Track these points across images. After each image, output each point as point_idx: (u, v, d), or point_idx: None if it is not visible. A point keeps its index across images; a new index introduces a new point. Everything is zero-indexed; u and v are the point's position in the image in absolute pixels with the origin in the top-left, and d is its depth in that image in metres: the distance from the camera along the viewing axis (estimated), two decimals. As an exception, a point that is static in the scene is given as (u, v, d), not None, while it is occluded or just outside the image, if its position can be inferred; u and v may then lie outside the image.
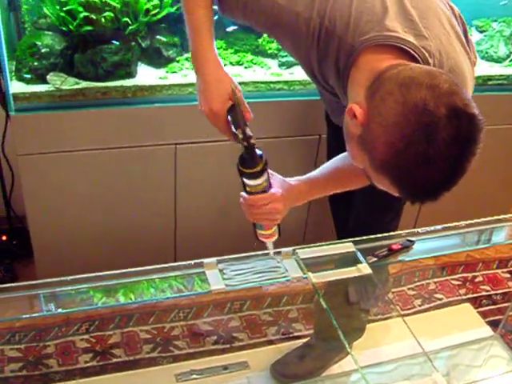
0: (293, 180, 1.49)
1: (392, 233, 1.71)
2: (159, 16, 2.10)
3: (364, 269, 1.53)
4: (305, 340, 2.13)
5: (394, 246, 1.60)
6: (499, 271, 2.75)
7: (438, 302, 2.51)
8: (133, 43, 2.09)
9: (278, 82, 2.18)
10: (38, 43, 1.99)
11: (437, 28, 1.29)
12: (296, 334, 2.22)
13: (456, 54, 1.32)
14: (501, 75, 2.45)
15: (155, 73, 2.14)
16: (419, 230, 1.58)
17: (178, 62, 2.19)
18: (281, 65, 2.25)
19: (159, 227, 2.32)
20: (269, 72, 2.21)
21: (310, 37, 1.30)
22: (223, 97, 1.36)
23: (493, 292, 2.62)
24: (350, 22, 1.25)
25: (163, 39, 2.15)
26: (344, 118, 1.22)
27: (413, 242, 1.58)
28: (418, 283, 2.59)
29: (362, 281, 1.49)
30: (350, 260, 1.57)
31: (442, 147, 1.03)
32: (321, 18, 1.27)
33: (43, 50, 1.99)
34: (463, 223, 1.74)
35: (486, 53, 2.54)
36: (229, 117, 1.37)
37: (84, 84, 2.01)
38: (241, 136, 1.31)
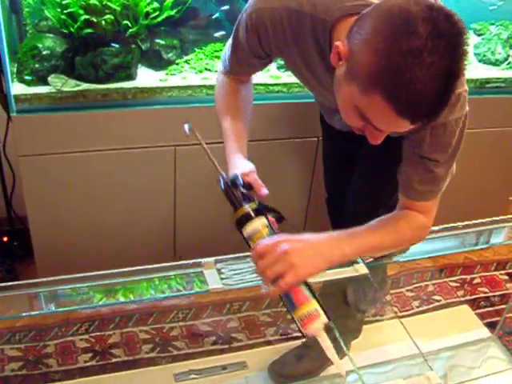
0: None
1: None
2: (159, 19, 2.11)
3: (361, 269, 1.55)
4: (303, 340, 2.14)
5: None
6: (497, 273, 2.76)
7: (436, 304, 2.51)
8: (133, 46, 2.11)
9: (277, 85, 2.19)
10: (40, 45, 2.01)
11: None
12: (294, 335, 2.22)
13: None
14: (498, 78, 2.47)
15: (155, 75, 2.16)
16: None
17: (177, 64, 2.21)
18: (279, 67, 2.27)
19: (159, 228, 2.33)
20: (267, 74, 2.23)
21: (285, 25, 1.31)
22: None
23: (491, 294, 2.63)
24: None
25: (163, 42, 2.17)
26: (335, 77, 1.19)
27: (410, 243, 1.58)
28: (417, 285, 2.60)
29: (359, 282, 1.49)
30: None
31: (425, 40, 0.98)
32: (284, 2, 1.29)
33: (44, 52, 2.01)
34: (461, 224, 1.75)
35: (484, 56, 2.55)
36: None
37: (85, 86, 2.02)
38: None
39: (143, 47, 2.14)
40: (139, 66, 2.17)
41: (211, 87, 2.11)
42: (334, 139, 1.92)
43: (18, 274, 2.41)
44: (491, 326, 2.40)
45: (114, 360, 2.12)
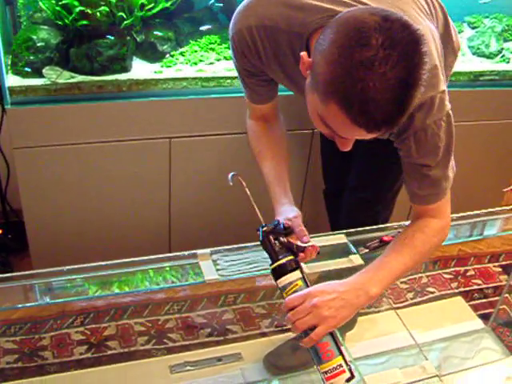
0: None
1: (384, 225, 1.74)
2: (154, 11, 2.11)
3: (356, 260, 1.56)
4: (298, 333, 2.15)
5: (386, 238, 1.62)
6: (491, 265, 2.77)
7: (430, 296, 2.52)
8: (128, 38, 2.10)
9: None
10: (34, 37, 2.00)
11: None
12: (289, 327, 2.23)
13: (408, 14, 1.28)
14: (492, 71, 2.47)
15: (150, 67, 2.15)
16: (410, 222, 1.60)
17: (172, 56, 2.20)
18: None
19: (154, 219, 2.34)
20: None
21: (264, 41, 1.35)
22: None
23: (484, 286, 2.64)
24: (289, 15, 1.29)
25: (158, 34, 2.16)
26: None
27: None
28: (411, 277, 2.61)
29: (354, 273, 1.49)
30: (342, 251, 1.60)
31: (376, 50, 0.99)
32: (259, 20, 1.33)
33: (39, 44, 2.00)
34: (455, 216, 1.76)
35: (478, 49, 2.56)
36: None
37: (79, 78, 2.02)
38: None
39: (138, 39, 2.14)
40: (134, 58, 2.17)
41: (206, 79, 2.11)
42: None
43: (12, 267, 2.41)
44: (485, 317, 2.41)
45: (109, 352, 2.13)
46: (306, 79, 1.21)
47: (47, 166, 2.10)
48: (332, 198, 2.16)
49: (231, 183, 1.35)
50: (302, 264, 1.35)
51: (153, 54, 2.18)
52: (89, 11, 1.97)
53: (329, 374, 1.20)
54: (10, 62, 2.04)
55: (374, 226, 1.69)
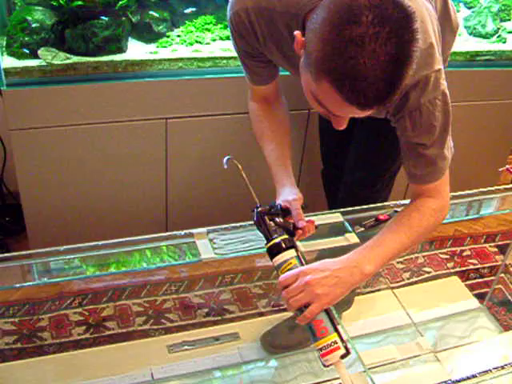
0: None
1: (380, 204, 1.75)
2: (149, -9, 2.11)
3: (351, 238, 1.57)
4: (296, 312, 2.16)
5: (381, 217, 1.62)
6: (487, 245, 2.79)
7: (427, 275, 2.54)
8: (123, 18, 2.09)
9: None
10: (29, 18, 2.00)
11: None
12: (286, 306, 2.24)
13: None
14: (488, 51, 2.47)
15: (146, 48, 2.15)
16: (407, 201, 1.60)
17: (168, 37, 2.20)
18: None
19: (151, 199, 2.34)
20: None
21: (260, 22, 1.35)
22: None
23: (480, 266, 2.66)
24: None
25: (154, 14, 2.15)
26: None
27: (399, 213, 1.60)
28: (407, 257, 2.62)
29: (349, 251, 1.50)
30: (338, 230, 1.61)
31: (366, 27, 0.99)
32: (256, 2, 1.33)
33: (34, 25, 1.99)
34: (450, 195, 1.76)
35: (474, 29, 2.55)
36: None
37: (75, 59, 2.01)
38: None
39: (133, 20, 2.13)
40: (130, 38, 2.16)
41: (202, 60, 2.11)
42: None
43: (10, 250, 2.41)
44: (480, 296, 2.43)
45: (107, 332, 2.14)
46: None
47: (44, 148, 2.10)
48: (330, 178, 2.17)
49: (226, 166, 1.36)
50: (298, 243, 1.37)
51: (148, 35, 2.17)
52: (84, -9, 1.96)
53: (324, 351, 1.21)
54: (4, 44, 2.03)
55: (371, 205, 1.70)
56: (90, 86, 2.03)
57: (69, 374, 1.94)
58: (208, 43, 2.19)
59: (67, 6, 1.99)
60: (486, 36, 2.54)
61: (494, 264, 2.67)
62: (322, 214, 1.62)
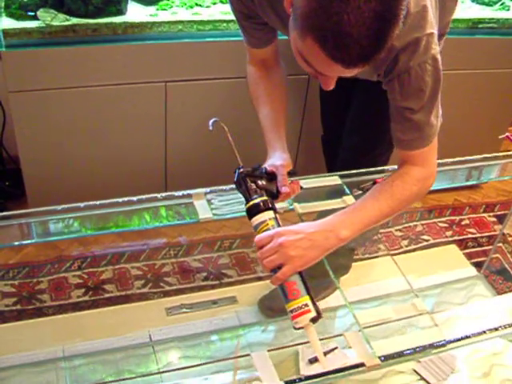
0: None
1: (379, 168, 1.74)
2: (150, -48, 2.08)
3: (349, 201, 1.57)
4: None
5: (379, 180, 1.62)
6: (486, 215, 2.79)
7: (425, 243, 2.55)
8: (123, -20, 2.08)
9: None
10: (28, -21, 1.98)
11: None
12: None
13: None
14: (491, 18, 2.44)
15: (145, 10, 2.13)
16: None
17: (168, -1, 2.18)
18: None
19: (150, 162, 2.34)
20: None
21: None
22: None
23: (478, 235, 2.67)
24: None
25: (154, -24, 2.14)
26: None
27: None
28: (406, 225, 2.63)
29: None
30: (336, 193, 1.61)
31: None
32: None
33: (33, -14, 1.98)
34: (450, 160, 1.76)
35: (478, -4, 2.53)
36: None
37: (74, 21, 1.99)
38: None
39: (133, -19, 2.12)
40: (129, 1, 2.13)
41: (201, 23, 2.09)
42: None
43: (10, 214, 2.42)
44: (478, 265, 2.45)
45: (106, 295, 2.16)
46: None
47: (43, 110, 2.09)
48: (330, 144, 2.16)
49: (211, 128, 1.36)
50: (297, 204, 1.42)
51: (148, -3, 2.16)
52: (83, -49, 1.94)
53: (294, 313, 1.20)
54: (3, 5, 2.01)
55: (370, 169, 1.70)
56: (89, 49, 2.02)
57: (68, 336, 1.96)
58: (208, 6, 2.17)
59: (66, -34, 1.97)
60: (489, 3, 2.52)
61: (493, 233, 2.68)
62: (321, 177, 1.62)
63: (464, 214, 2.77)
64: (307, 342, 1.91)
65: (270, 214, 1.27)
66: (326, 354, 1.85)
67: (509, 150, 2.86)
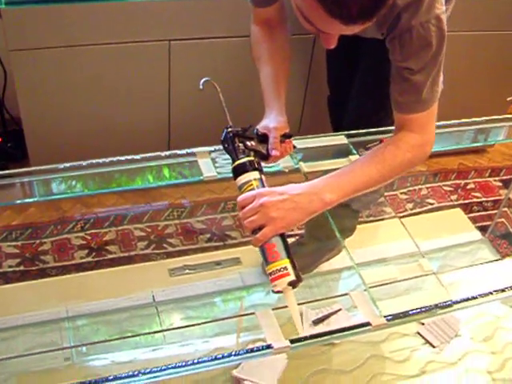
0: None
1: (386, 128, 1.72)
2: None
3: (355, 160, 1.55)
4: (296, 238, 2.16)
5: (385, 140, 1.60)
6: (491, 179, 2.78)
7: (430, 207, 2.54)
8: None
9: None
10: None
11: None
12: (288, 233, 2.25)
13: None
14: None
15: (149, -34, 2.09)
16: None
17: (172, -44, 2.13)
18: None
19: (154, 121, 2.32)
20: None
21: None
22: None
23: (484, 199, 2.66)
24: None
25: None
26: None
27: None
28: (411, 188, 2.62)
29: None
30: (342, 152, 1.59)
31: None
32: None
33: None
34: (456, 122, 1.74)
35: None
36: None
37: (76, -24, 1.96)
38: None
39: None
40: (132, -43, 2.10)
41: (207, -21, 2.06)
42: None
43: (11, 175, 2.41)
44: (483, 229, 2.44)
45: (109, 256, 2.16)
46: None
47: (44, 68, 2.06)
48: (336, 105, 2.13)
49: (201, 87, 1.36)
50: (302, 163, 1.41)
51: (152, -46, 2.11)
52: None
53: (273, 276, 1.17)
54: (3, -40, 1.98)
55: (377, 129, 1.67)
56: (91, 6, 1.98)
57: (71, 296, 1.96)
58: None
59: None
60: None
61: (498, 198, 2.67)
62: (327, 136, 1.60)
63: (469, 178, 2.75)
64: (312, 302, 1.93)
65: (255, 174, 1.25)
66: (330, 315, 1.88)
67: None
